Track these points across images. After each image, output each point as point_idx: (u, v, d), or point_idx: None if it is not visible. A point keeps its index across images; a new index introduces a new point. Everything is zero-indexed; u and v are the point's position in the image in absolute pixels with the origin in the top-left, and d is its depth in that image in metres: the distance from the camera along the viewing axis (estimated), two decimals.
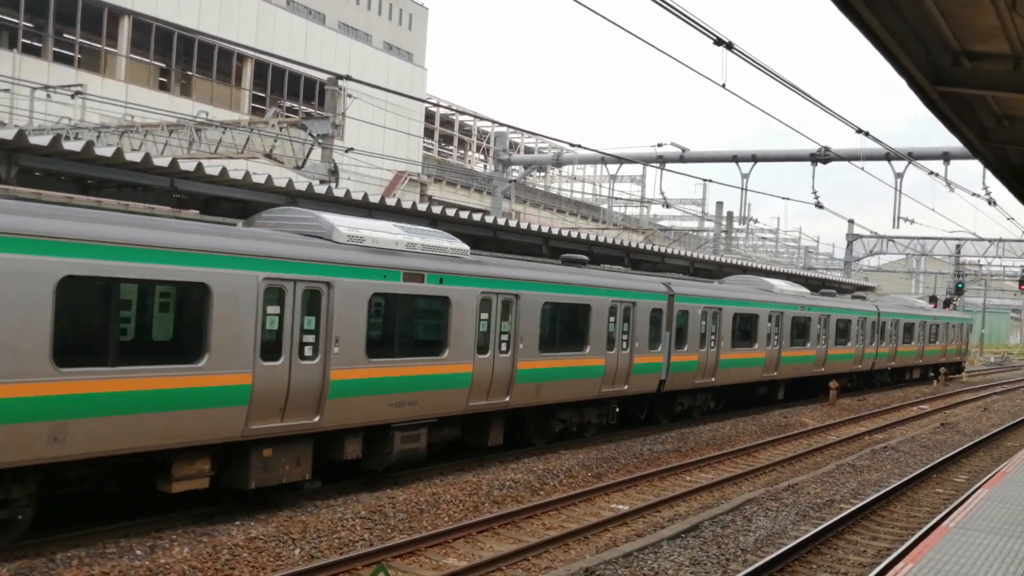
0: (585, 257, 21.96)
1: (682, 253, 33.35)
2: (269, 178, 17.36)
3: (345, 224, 14.45)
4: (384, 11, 69.02)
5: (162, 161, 15.90)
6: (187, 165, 16.26)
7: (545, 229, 25.45)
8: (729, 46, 12.52)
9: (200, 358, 11.81)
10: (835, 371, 33.70)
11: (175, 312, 11.84)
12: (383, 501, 14.19)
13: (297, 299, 13.02)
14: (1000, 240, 57.80)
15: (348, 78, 20.74)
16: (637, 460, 19.80)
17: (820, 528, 13.94)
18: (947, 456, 21.99)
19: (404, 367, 14.93)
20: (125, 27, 47.80)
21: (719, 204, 60.42)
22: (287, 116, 35.66)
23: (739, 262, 38.90)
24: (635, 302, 21.14)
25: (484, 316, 16.62)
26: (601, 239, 27.97)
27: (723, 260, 37.12)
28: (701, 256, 34.95)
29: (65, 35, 46.59)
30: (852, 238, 57.17)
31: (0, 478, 10.44)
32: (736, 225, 59.09)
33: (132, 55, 48.58)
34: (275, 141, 28.15)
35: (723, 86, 14.53)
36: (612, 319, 20.30)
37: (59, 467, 10.98)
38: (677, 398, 24.50)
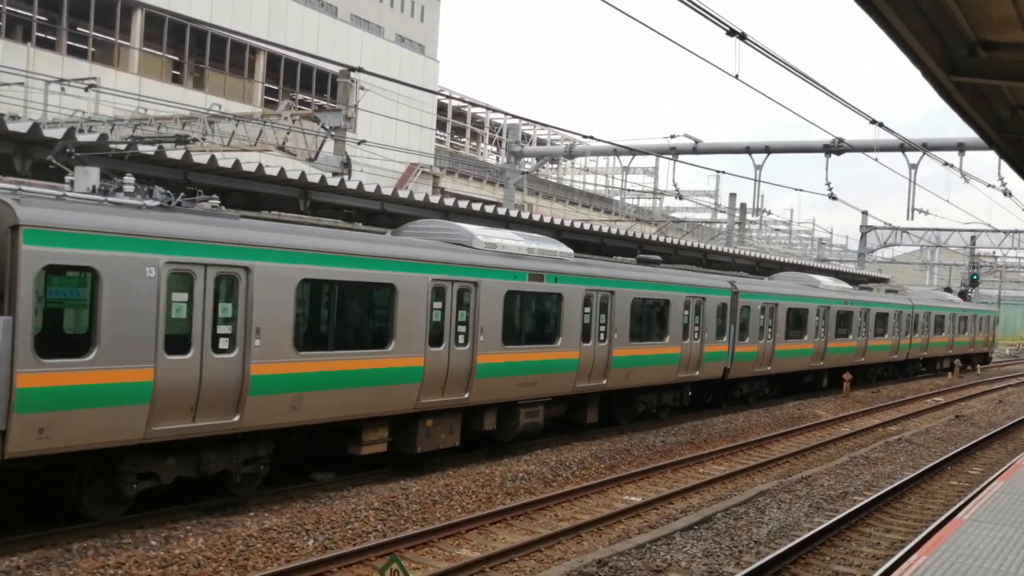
0: (659, 257, 24.67)
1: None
2: (282, 170, 17.41)
3: (482, 233, 17.24)
4: (396, 3, 68.97)
5: (175, 154, 15.97)
6: (200, 158, 16.32)
7: (558, 221, 25.43)
8: (742, 36, 12.46)
9: (388, 344, 14.53)
10: (874, 360, 36.28)
11: (371, 308, 14.49)
12: (396, 493, 14.23)
13: (454, 297, 15.72)
14: (1016, 231, 57.52)
15: (360, 70, 20.75)
16: (650, 452, 19.80)
17: (833, 520, 13.92)
18: (961, 448, 21.91)
19: (529, 353, 17.56)
20: (138, 20, 47.92)
21: (732, 195, 60.27)
22: (299, 108, 35.70)
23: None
24: (705, 297, 23.66)
25: (587, 310, 19.16)
26: (613, 231, 27.93)
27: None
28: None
29: (79, 28, 46.74)
30: (866, 230, 56.90)
31: (253, 438, 12.85)
32: (749, 217, 58.89)
33: (145, 48, 48.71)
34: (288, 134, 28.19)
35: (736, 77, 14.48)
36: (686, 312, 22.86)
37: (288, 431, 13.55)
38: (738, 384, 27.01)
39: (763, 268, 37.35)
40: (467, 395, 16.14)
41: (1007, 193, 29.52)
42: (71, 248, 10.42)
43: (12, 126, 13.87)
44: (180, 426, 11.70)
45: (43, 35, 45.88)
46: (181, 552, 10.77)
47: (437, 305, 15.37)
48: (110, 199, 11.42)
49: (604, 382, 19.83)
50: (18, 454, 10.19)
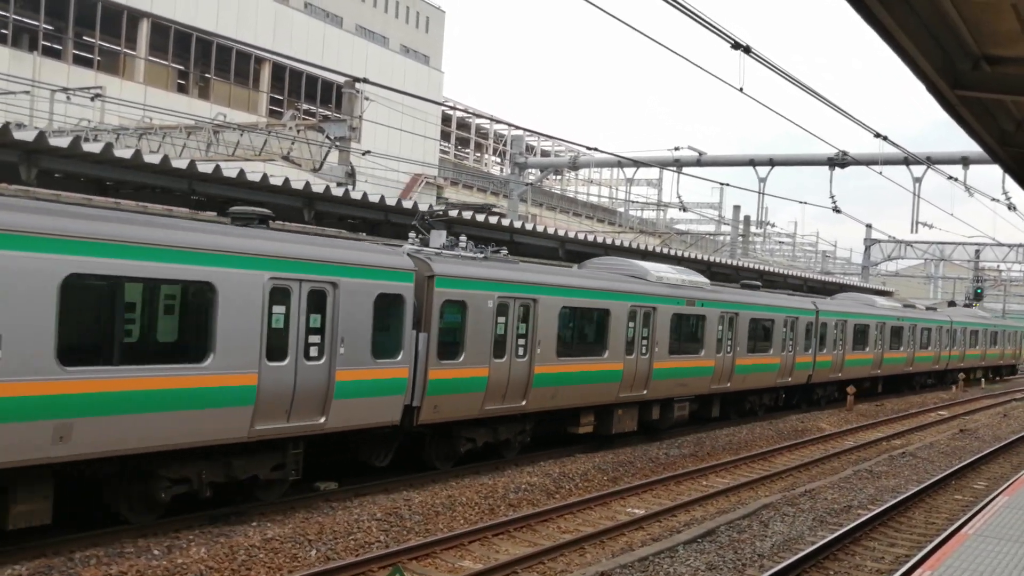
0: (759, 283, 29.73)
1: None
2: (287, 180, 17.46)
3: (653, 268, 22.52)
4: (401, 14, 69.20)
5: (180, 163, 16.01)
6: (205, 167, 16.36)
7: (561, 233, 25.48)
8: (747, 50, 12.50)
9: (603, 351, 19.72)
10: (920, 370, 41.09)
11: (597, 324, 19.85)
12: (399, 503, 14.23)
13: (640, 318, 20.79)
14: (1020, 245, 57.45)
15: (365, 81, 20.81)
16: (653, 464, 19.77)
17: (837, 534, 13.89)
18: (966, 462, 21.85)
19: (682, 361, 22.48)
20: (144, 30, 48.13)
21: (736, 208, 60.03)
22: (304, 119, 35.77)
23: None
24: (797, 317, 28.55)
25: (720, 328, 24.12)
26: (617, 243, 28.00)
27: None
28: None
29: (85, 37, 46.95)
30: (870, 243, 56.88)
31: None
32: (753, 229, 58.89)
33: (151, 57, 48.90)
34: (292, 143, 28.28)
35: (740, 90, 14.52)
36: (784, 328, 27.78)
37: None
38: (816, 389, 31.78)
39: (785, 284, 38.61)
40: (645, 392, 21.21)
41: (1011, 207, 29.54)
42: (454, 288, 15.78)
43: (18, 135, 13.93)
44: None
45: (49, 44, 46.08)
46: (184, 562, 10.76)
47: (631, 325, 20.49)
48: (459, 252, 16.84)
49: (728, 385, 25.05)
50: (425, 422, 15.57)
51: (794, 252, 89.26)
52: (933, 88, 10.08)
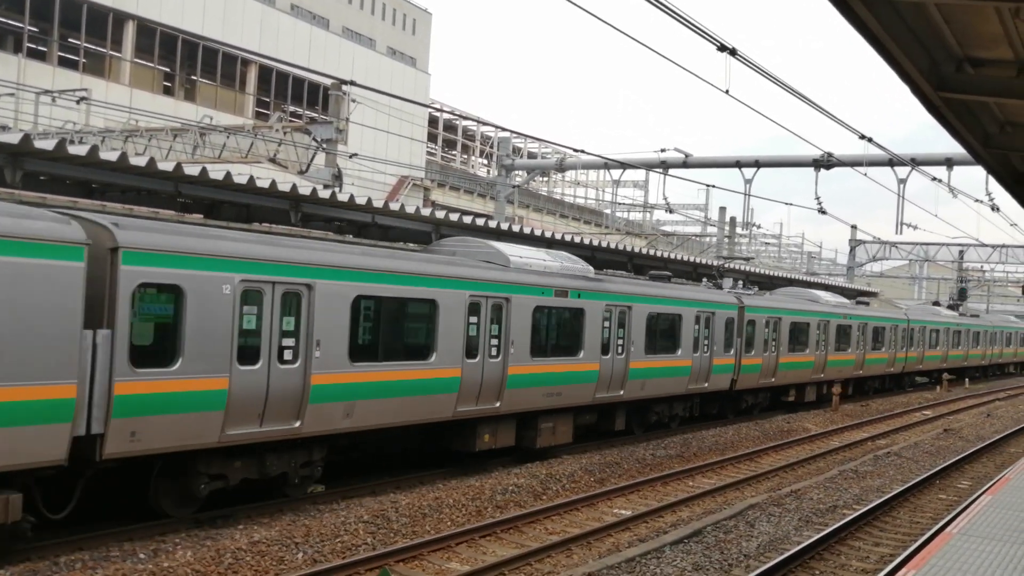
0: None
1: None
2: (273, 183, 17.39)
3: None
4: (388, 16, 69.13)
5: (166, 165, 15.93)
6: (191, 169, 16.28)
7: (548, 234, 25.46)
8: (732, 52, 12.53)
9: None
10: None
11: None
12: (386, 505, 14.20)
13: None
14: (1003, 246, 57.81)
15: (352, 83, 20.78)
16: (640, 465, 19.79)
17: (823, 534, 13.93)
18: (950, 462, 21.95)
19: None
20: (129, 32, 47.93)
21: (722, 209, 60.27)
22: (291, 121, 35.70)
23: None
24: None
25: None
26: (603, 244, 28.00)
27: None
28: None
29: (70, 39, 46.73)
30: (855, 243, 57.19)
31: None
32: (739, 230, 59.06)
33: (136, 59, 48.71)
34: (279, 146, 28.21)
35: (727, 92, 14.55)
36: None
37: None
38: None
39: (753, 281, 37.74)
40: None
41: (995, 208, 29.68)
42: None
43: (3, 137, 13.84)
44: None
45: (34, 46, 45.85)
46: (170, 565, 10.71)
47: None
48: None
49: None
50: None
51: (780, 253, 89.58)
52: (917, 90, 10.13)
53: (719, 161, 33.67)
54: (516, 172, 40.97)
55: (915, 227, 37.47)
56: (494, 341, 17.18)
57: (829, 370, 33.22)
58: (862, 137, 19.41)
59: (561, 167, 39.23)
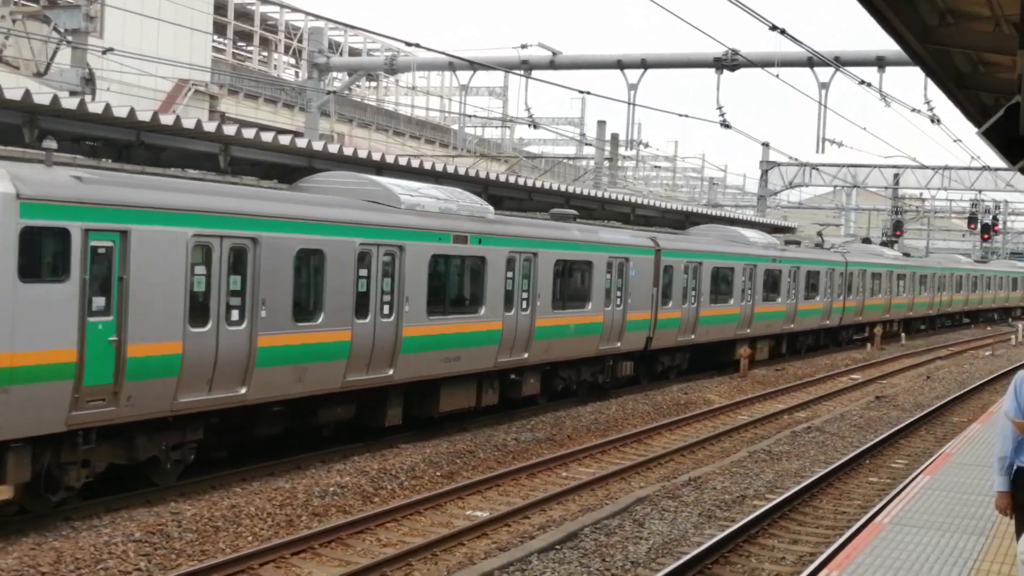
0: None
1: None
2: None
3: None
4: None
5: None
6: None
7: (378, 156, 25.26)
8: None
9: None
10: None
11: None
12: (165, 519, 13.99)
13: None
14: (945, 168, 60.25)
15: None
16: (500, 453, 20.04)
17: (728, 532, 14.44)
18: (882, 437, 23.04)
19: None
20: None
21: (601, 124, 61.00)
22: (24, 5, 34.16)
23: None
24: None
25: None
26: (451, 169, 27.97)
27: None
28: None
29: None
30: (767, 167, 58.62)
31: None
32: (623, 151, 59.98)
33: None
34: (6, 39, 27.01)
35: None
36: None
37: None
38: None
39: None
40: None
41: (935, 120, 30.94)
42: None
43: None
44: None
45: None
46: None
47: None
48: None
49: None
50: None
51: (674, 179, 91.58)
52: None
53: (596, 60, 33.92)
54: (333, 75, 40.39)
55: (840, 144, 38.80)
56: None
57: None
58: (773, 28, 19.89)
59: (392, 68, 38.86)
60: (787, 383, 33.40)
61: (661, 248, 28.83)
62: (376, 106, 72.76)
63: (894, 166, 60.37)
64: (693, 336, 31.16)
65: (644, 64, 32.19)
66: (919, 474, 16.06)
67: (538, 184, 32.81)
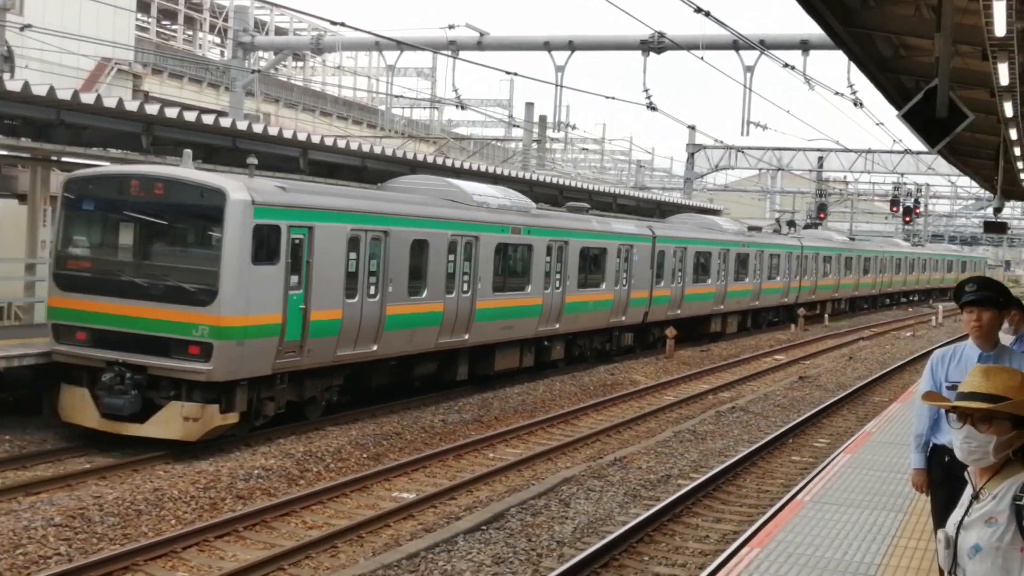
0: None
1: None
2: None
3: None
4: None
5: None
6: None
7: (303, 137, 25.10)
8: None
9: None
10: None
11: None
12: (86, 503, 13.83)
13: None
14: (868, 151, 61.14)
15: None
16: (426, 435, 20.06)
17: (653, 511, 14.58)
18: (805, 417, 23.40)
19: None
20: None
21: (529, 106, 61.04)
22: None
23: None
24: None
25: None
26: (378, 150, 27.88)
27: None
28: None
29: None
30: (693, 149, 59.02)
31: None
32: (551, 133, 60.07)
33: None
34: None
35: None
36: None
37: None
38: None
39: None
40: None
41: (858, 103, 31.36)
42: None
43: None
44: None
45: None
46: None
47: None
48: None
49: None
50: None
51: (602, 162, 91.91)
52: None
53: (523, 42, 33.99)
54: (259, 54, 40.00)
55: (764, 127, 39.24)
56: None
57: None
58: (698, 11, 20.02)
59: (318, 47, 38.64)
60: (712, 364, 33.75)
61: (656, 236, 33.67)
62: (303, 86, 72.16)
63: (818, 149, 61.04)
64: (679, 311, 36.01)
65: (571, 46, 32.32)
66: (840, 453, 16.29)
67: (466, 166, 32.82)
